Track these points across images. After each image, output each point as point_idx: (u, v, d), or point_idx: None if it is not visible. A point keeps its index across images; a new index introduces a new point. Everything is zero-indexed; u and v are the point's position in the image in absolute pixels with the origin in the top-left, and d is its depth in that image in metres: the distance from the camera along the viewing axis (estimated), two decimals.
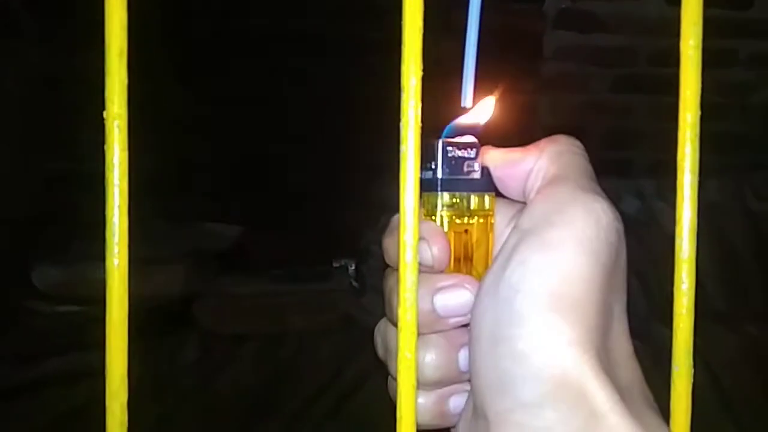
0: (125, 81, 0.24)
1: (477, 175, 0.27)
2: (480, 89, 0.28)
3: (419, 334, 0.25)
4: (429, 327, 0.25)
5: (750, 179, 1.62)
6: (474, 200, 0.27)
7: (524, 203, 0.27)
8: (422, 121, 0.24)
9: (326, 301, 1.55)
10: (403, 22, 0.23)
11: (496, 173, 0.27)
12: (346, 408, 1.30)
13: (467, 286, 0.25)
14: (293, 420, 1.27)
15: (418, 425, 0.25)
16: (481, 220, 0.27)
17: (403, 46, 0.23)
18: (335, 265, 1.60)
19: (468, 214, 0.27)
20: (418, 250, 0.25)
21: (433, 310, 0.25)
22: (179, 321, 1.48)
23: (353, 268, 1.60)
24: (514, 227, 0.24)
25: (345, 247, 1.63)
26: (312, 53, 1.79)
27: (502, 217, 0.28)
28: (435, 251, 0.25)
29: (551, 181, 0.25)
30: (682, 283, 0.25)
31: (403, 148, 0.24)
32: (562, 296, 0.22)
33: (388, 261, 0.27)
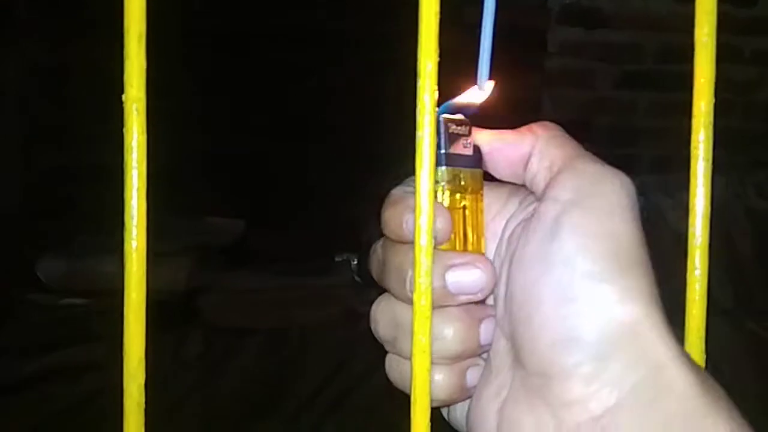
0: (144, 64, 0.24)
1: (470, 153, 0.27)
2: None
3: (438, 308, 0.25)
4: (436, 303, 0.25)
5: (753, 177, 1.62)
6: (469, 177, 0.27)
7: (511, 184, 0.28)
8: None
9: (329, 296, 1.56)
10: (419, 7, 0.23)
11: (490, 153, 0.27)
12: (350, 402, 1.30)
13: (480, 265, 0.26)
14: (297, 414, 1.27)
15: (434, 402, 0.26)
16: (474, 198, 0.27)
17: (419, 30, 0.23)
18: (337, 259, 1.60)
19: (462, 191, 0.27)
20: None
21: (444, 287, 0.25)
22: (183, 315, 1.48)
23: (356, 262, 1.60)
24: (545, 200, 0.25)
25: (348, 242, 1.63)
26: (315, 48, 1.79)
27: (495, 197, 0.28)
28: (438, 224, 0.25)
29: (571, 159, 0.25)
30: (695, 269, 0.25)
31: (419, 133, 0.24)
32: (622, 257, 0.23)
33: (387, 233, 0.27)
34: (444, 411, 0.28)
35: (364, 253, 1.62)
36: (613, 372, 0.23)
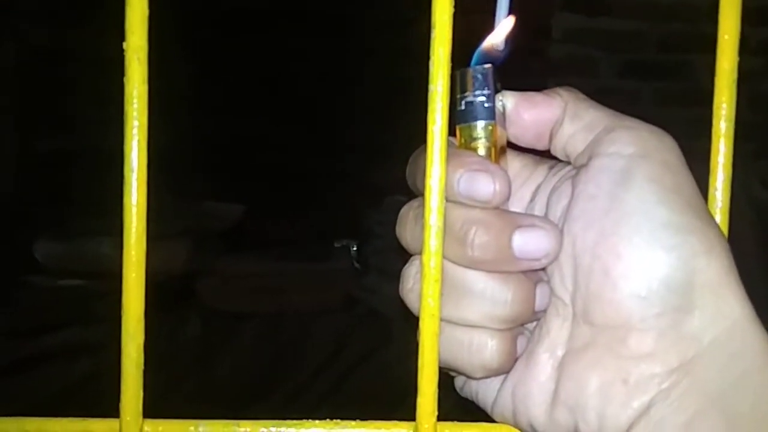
0: (146, 12, 0.23)
1: (502, 111, 0.26)
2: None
3: (496, 272, 0.24)
4: (497, 267, 0.24)
5: (757, 168, 1.61)
6: (505, 136, 0.26)
7: (531, 152, 0.27)
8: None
9: (328, 281, 1.55)
10: None
11: (517, 114, 0.26)
12: (347, 387, 1.30)
13: (548, 227, 0.24)
14: (293, 398, 1.27)
15: (484, 371, 0.25)
16: (505, 159, 0.26)
17: None
18: (336, 245, 1.59)
19: (502, 151, 0.26)
20: (476, 183, 0.24)
21: (509, 247, 0.24)
22: (181, 298, 1.48)
23: (355, 248, 1.59)
24: (601, 155, 0.24)
25: (347, 228, 1.62)
26: (317, 33, 1.78)
27: (522, 164, 0.27)
28: (498, 186, 0.24)
29: (616, 118, 0.25)
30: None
31: (432, 87, 0.23)
32: (700, 209, 0.23)
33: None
34: (459, 382, 0.28)
35: (363, 239, 1.62)
36: (693, 325, 0.23)
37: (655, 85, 1.76)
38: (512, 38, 0.26)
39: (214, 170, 1.75)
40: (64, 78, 1.69)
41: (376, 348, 1.33)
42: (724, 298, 0.23)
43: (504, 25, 0.26)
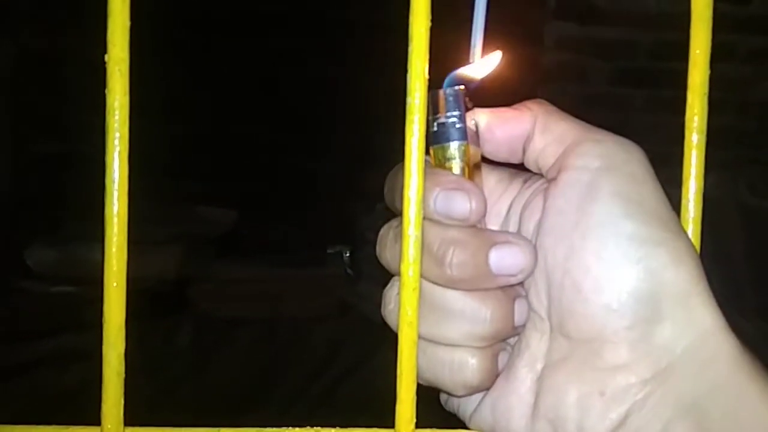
0: (128, 24, 0.23)
1: (475, 129, 0.26)
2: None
3: (474, 290, 0.25)
4: (475, 285, 0.24)
5: (745, 174, 1.62)
6: (478, 155, 0.26)
7: (506, 166, 0.27)
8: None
9: (321, 287, 1.55)
10: None
11: (488, 131, 0.26)
12: (340, 393, 1.30)
13: (522, 243, 0.25)
14: (287, 404, 1.27)
15: (466, 389, 0.25)
16: (480, 177, 0.27)
17: None
18: (329, 251, 1.60)
19: (476, 169, 0.26)
20: (452, 202, 0.24)
21: (486, 264, 0.24)
22: (174, 304, 1.47)
23: (348, 255, 1.60)
24: (569, 169, 0.25)
25: (340, 234, 1.62)
26: (312, 37, 1.78)
27: (497, 178, 0.27)
28: (473, 204, 0.24)
29: (585, 130, 0.25)
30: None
31: (409, 99, 0.24)
32: (668, 220, 0.24)
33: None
34: (443, 396, 0.27)
35: (356, 245, 1.62)
36: (665, 335, 0.23)
37: (646, 93, 1.77)
38: (492, 75, 0.27)
39: (207, 176, 1.76)
40: (59, 82, 1.69)
41: (369, 354, 1.33)
42: (694, 307, 0.23)
43: (486, 60, 0.26)
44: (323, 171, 1.79)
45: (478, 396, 0.26)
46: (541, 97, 0.27)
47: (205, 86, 1.75)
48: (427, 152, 0.25)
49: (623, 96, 1.77)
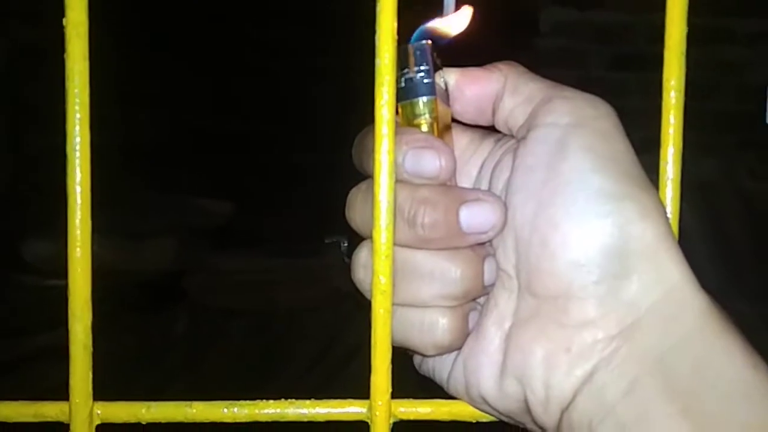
0: None
1: (444, 87, 0.25)
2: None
3: (444, 249, 0.24)
4: (446, 243, 0.24)
5: (744, 158, 1.61)
6: (448, 113, 0.26)
7: (477, 128, 0.27)
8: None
9: (318, 277, 1.55)
10: None
11: (458, 90, 0.26)
12: (337, 383, 1.29)
13: (492, 200, 0.24)
14: (283, 394, 1.27)
15: (436, 348, 0.25)
16: (450, 136, 0.26)
17: None
18: (327, 241, 1.59)
19: (445, 128, 0.26)
20: (422, 160, 0.24)
21: (457, 224, 0.24)
22: (170, 295, 1.47)
23: (345, 244, 1.59)
24: (539, 126, 0.24)
25: (337, 224, 1.62)
26: (307, 27, 1.77)
27: (469, 139, 0.27)
28: (443, 162, 0.24)
29: (554, 89, 0.25)
30: (667, 206, 0.24)
31: (378, 61, 0.23)
32: (636, 176, 0.23)
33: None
34: (417, 359, 0.27)
35: (353, 235, 1.61)
36: (631, 291, 0.23)
37: (643, 78, 1.76)
38: (463, 32, 0.26)
39: (203, 167, 1.75)
40: (53, 75, 1.68)
41: (366, 343, 1.32)
42: (661, 263, 0.23)
43: (458, 15, 0.26)
44: (320, 161, 1.78)
45: (451, 358, 0.26)
46: None
47: (201, 78, 1.75)
48: (396, 111, 0.24)
49: (620, 80, 1.76)
